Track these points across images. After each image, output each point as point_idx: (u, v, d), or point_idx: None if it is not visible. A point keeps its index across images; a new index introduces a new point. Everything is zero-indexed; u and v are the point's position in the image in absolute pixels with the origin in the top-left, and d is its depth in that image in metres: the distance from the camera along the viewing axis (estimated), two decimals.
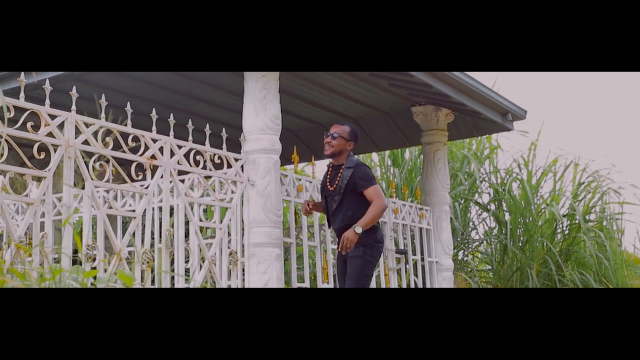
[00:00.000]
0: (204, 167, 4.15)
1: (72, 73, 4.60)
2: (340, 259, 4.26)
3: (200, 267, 4.06)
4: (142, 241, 3.91)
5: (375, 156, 9.18)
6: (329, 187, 4.30)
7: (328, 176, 4.34)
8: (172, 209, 4.08)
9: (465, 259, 8.55)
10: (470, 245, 8.60)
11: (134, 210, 4.62)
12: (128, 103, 3.79)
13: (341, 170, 4.28)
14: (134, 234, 3.61)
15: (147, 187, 3.84)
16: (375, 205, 4.12)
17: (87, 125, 3.49)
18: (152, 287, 3.55)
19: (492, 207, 8.64)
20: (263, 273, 4.29)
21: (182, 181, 4.22)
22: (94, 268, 3.28)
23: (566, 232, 8.45)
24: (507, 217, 8.37)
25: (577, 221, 8.25)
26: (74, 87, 3.56)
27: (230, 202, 4.38)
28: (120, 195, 5.21)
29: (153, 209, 4.40)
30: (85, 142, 3.48)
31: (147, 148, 3.79)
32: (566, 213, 8.51)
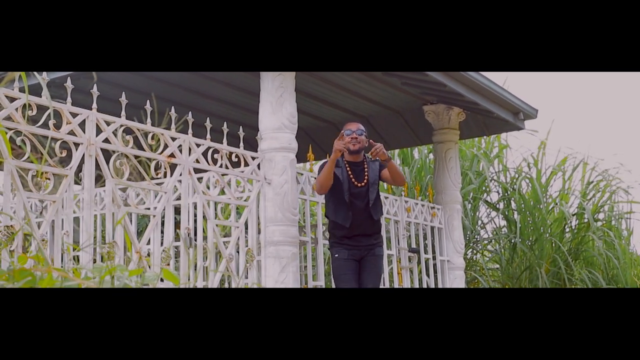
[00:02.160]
0: (221, 166, 4.16)
1: (88, 72, 4.61)
2: (354, 257, 4.28)
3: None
4: (162, 240, 3.92)
5: None
6: (356, 184, 4.35)
7: (350, 174, 4.36)
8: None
9: (474, 257, 8.56)
10: (479, 244, 8.60)
11: (149, 209, 4.63)
12: (148, 102, 3.80)
13: (365, 166, 4.41)
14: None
15: (165, 186, 3.85)
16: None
17: (107, 123, 3.51)
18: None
19: (501, 205, 8.64)
20: (279, 271, 4.29)
21: (200, 179, 4.22)
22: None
23: (575, 231, 8.46)
24: (516, 215, 8.37)
25: (586, 220, 8.25)
26: (95, 85, 3.57)
27: (247, 200, 4.39)
28: (135, 194, 5.21)
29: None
30: (106, 140, 3.49)
31: (165, 146, 3.80)
32: (575, 212, 8.51)
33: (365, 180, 4.38)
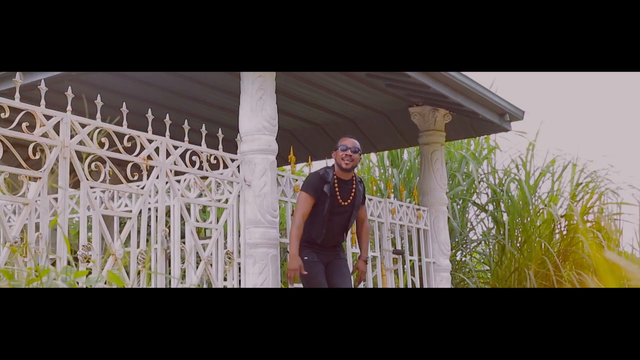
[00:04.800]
0: (200, 168, 4.15)
1: (69, 74, 4.60)
2: (321, 261, 4.31)
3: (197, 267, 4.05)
4: (138, 242, 3.90)
5: (373, 157, 9.19)
6: (340, 202, 4.30)
7: (337, 190, 4.29)
8: (169, 209, 4.09)
9: (463, 259, 8.56)
10: (468, 246, 8.60)
11: (130, 211, 4.62)
12: (124, 104, 3.79)
13: (353, 185, 4.37)
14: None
15: (143, 188, 3.84)
16: (368, 230, 4.68)
17: (82, 125, 3.50)
18: (140, 287, 3.55)
19: (490, 207, 8.63)
20: (259, 273, 4.28)
21: (179, 181, 4.21)
22: (90, 269, 3.28)
23: (564, 232, 8.45)
24: (505, 217, 8.37)
25: (575, 222, 8.24)
26: (69, 87, 3.56)
27: (226, 202, 4.38)
28: (117, 196, 5.21)
29: (149, 209, 4.40)
30: (81, 143, 3.48)
31: (142, 148, 3.79)
32: (564, 213, 8.50)
33: (350, 200, 4.34)
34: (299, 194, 4.31)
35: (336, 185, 4.28)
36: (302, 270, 4.13)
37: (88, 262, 3.40)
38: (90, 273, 1.96)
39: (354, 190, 4.34)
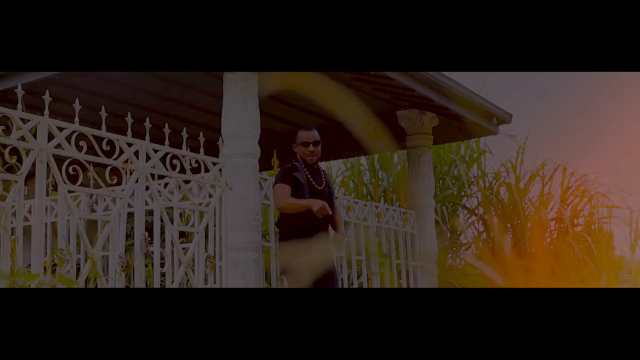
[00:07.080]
0: (182, 171, 4.14)
1: (53, 77, 4.59)
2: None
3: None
4: (117, 245, 3.89)
5: (364, 160, 9.18)
6: (316, 187, 4.34)
7: (309, 176, 4.34)
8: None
9: (453, 263, 8.55)
10: (458, 250, 8.59)
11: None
12: (102, 107, 3.78)
13: (321, 171, 4.44)
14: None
15: (123, 191, 3.83)
16: (340, 214, 4.60)
17: (60, 129, 3.49)
18: (116, 287, 3.54)
19: (480, 210, 8.63)
20: (241, 277, 4.27)
21: (160, 185, 4.20)
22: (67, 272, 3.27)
23: (554, 236, 8.44)
24: (495, 221, 8.36)
25: (565, 225, 8.24)
26: (47, 91, 3.55)
27: (207, 206, 4.37)
28: (101, 200, 5.19)
29: (130, 213, 4.39)
30: (59, 147, 3.47)
31: (122, 152, 3.78)
32: (554, 217, 8.50)
33: (323, 184, 4.37)
34: (274, 189, 4.36)
35: (307, 172, 4.35)
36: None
37: (68, 263, 3.39)
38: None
39: (323, 175, 4.43)
